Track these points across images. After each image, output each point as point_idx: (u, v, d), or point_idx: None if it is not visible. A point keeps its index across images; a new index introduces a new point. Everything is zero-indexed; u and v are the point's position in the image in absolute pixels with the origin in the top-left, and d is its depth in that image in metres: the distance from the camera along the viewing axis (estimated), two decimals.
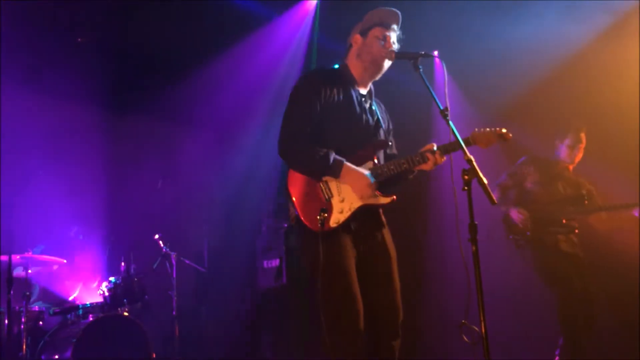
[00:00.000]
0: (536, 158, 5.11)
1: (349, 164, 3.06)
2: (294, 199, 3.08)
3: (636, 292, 5.07)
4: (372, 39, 3.25)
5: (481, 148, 3.13)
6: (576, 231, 4.90)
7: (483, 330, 2.61)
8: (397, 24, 3.29)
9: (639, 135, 5.07)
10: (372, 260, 3.14)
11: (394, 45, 3.25)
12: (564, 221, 4.86)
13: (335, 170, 3.03)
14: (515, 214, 4.85)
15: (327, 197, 3.04)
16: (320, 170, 3.05)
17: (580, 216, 4.90)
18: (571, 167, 5.07)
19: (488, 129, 3.13)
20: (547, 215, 4.85)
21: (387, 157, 3.32)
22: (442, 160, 3.11)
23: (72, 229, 5.83)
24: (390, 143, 3.35)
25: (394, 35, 3.27)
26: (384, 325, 3.09)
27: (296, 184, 3.10)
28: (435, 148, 3.12)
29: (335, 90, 3.18)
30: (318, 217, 2.96)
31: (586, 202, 4.88)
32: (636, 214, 4.70)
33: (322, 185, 3.06)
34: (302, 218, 3.02)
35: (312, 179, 3.08)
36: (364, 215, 3.10)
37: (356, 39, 3.30)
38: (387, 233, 3.24)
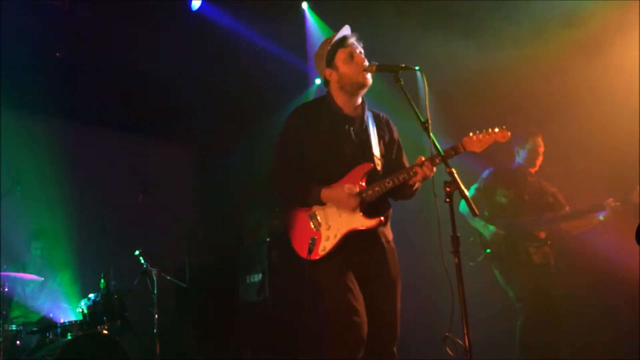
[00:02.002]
0: (499, 171, 5.19)
1: (327, 188, 3.13)
2: (288, 232, 3.28)
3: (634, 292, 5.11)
4: (343, 66, 3.24)
5: (476, 152, 3.06)
6: (549, 242, 5.00)
7: (467, 343, 2.60)
8: (350, 34, 3.29)
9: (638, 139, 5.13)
10: (371, 280, 3.17)
11: (362, 55, 3.25)
12: (539, 235, 4.97)
13: (315, 197, 3.14)
14: (491, 234, 4.94)
15: (315, 226, 3.16)
16: (304, 200, 3.19)
17: (552, 225, 4.98)
18: (533, 171, 5.15)
19: (483, 132, 3.04)
20: (519, 229, 4.94)
21: (394, 169, 3.26)
22: (432, 172, 3.07)
23: (32, 245, 5.75)
24: (373, 164, 3.23)
25: (357, 45, 3.27)
26: (378, 347, 3.09)
27: (291, 219, 3.28)
28: (423, 161, 3.09)
29: (316, 125, 3.25)
30: (307, 245, 3.10)
31: (554, 208, 5.00)
32: (601, 216, 4.79)
33: (311, 216, 3.18)
34: (295, 248, 3.21)
35: (302, 211, 3.21)
36: (359, 238, 3.12)
37: (329, 73, 3.29)
38: (390, 251, 3.25)
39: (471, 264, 5.04)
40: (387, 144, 3.37)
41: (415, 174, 3.08)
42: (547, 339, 4.86)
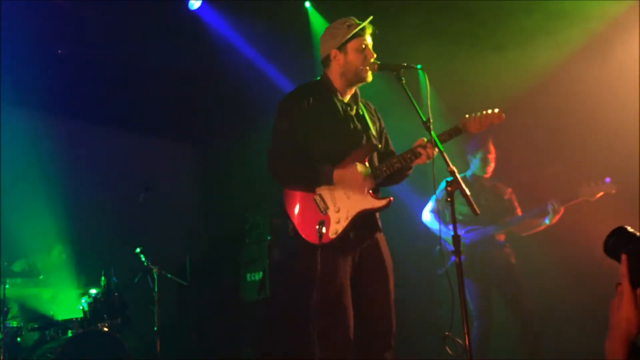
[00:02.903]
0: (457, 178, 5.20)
1: (339, 168, 3.08)
2: (291, 217, 3.11)
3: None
4: (352, 53, 3.23)
5: (473, 132, 3.14)
6: (507, 244, 5.04)
7: (467, 343, 2.60)
8: (370, 25, 3.28)
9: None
10: (367, 270, 3.15)
11: (373, 52, 3.25)
12: (498, 238, 5.00)
13: (326, 178, 3.06)
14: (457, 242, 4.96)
15: (323, 209, 3.06)
16: (312, 183, 3.09)
17: (509, 229, 5.02)
18: (486, 177, 5.16)
19: (479, 113, 3.11)
20: (480, 235, 4.95)
21: (383, 158, 3.29)
22: (435, 152, 3.09)
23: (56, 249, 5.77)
24: (379, 145, 3.32)
25: (370, 39, 3.27)
26: (376, 337, 3.10)
27: (292, 202, 3.14)
28: (425, 142, 3.12)
29: (318, 104, 3.21)
30: (317, 229, 2.96)
31: (510, 211, 5.05)
32: (547, 221, 4.81)
33: (317, 199, 3.08)
34: (302, 234, 3.05)
35: (307, 194, 3.10)
36: (362, 222, 3.10)
37: (335, 54, 3.27)
38: (382, 240, 3.25)
39: (439, 272, 5.06)
40: (378, 132, 3.40)
41: (419, 154, 3.10)
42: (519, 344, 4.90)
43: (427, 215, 5.15)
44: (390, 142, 3.47)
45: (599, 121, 5.36)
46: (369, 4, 5.40)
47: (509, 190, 5.21)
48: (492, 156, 5.14)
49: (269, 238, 6.45)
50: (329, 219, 3.03)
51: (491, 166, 5.14)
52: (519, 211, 5.11)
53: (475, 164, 5.17)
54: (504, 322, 5.11)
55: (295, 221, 3.09)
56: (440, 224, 4.89)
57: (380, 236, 3.25)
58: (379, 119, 3.46)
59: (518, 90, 5.74)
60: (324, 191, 3.09)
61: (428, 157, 3.11)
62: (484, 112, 3.10)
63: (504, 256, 5.01)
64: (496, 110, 3.11)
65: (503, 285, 4.96)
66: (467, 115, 3.10)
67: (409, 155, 3.13)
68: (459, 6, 5.67)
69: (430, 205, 5.16)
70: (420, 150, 3.10)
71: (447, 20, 5.78)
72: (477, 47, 5.72)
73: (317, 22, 6.16)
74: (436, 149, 3.03)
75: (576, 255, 5.38)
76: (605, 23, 5.37)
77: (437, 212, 5.06)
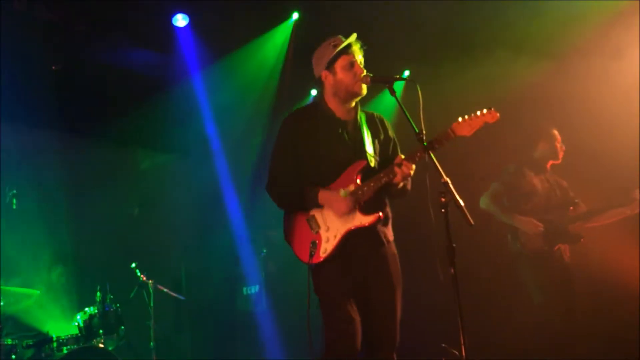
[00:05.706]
0: (523, 164, 5.03)
1: (324, 190, 3.14)
2: (288, 237, 3.27)
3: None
4: (341, 72, 3.25)
5: (467, 136, 3.02)
6: (582, 240, 4.83)
7: (463, 354, 2.60)
8: (356, 41, 3.30)
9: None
10: (370, 284, 3.17)
11: (363, 67, 3.26)
12: (570, 229, 4.81)
13: (313, 200, 3.15)
14: (531, 226, 4.82)
15: (314, 229, 3.15)
16: (301, 204, 3.20)
17: (583, 221, 4.85)
18: (557, 163, 5.04)
19: (469, 117, 3.00)
20: (553, 224, 4.80)
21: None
22: (411, 170, 3.08)
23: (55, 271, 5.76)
24: (372, 159, 3.27)
25: (358, 55, 3.29)
26: (379, 349, 3.11)
27: (288, 223, 3.28)
28: (402, 158, 3.10)
29: (312, 125, 3.29)
30: (309, 249, 3.09)
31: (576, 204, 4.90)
32: (628, 211, 4.71)
33: (309, 219, 3.18)
34: (296, 253, 3.20)
35: (301, 214, 3.21)
36: (358, 238, 3.13)
37: (325, 76, 3.30)
38: (390, 254, 3.24)
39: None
40: (383, 142, 3.38)
41: (395, 174, 3.08)
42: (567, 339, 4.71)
43: (484, 202, 4.97)
44: (399, 151, 3.39)
45: (598, 123, 5.35)
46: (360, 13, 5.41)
47: (566, 183, 5.05)
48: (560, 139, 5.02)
49: (264, 251, 6.45)
50: (320, 238, 3.11)
51: (562, 154, 5.00)
52: (580, 202, 4.93)
53: (548, 151, 5.00)
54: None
55: (290, 240, 3.24)
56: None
57: (388, 250, 3.24)
58: (384, 130, 3.42)
59: (515, 93, 5.73)
60: (316, 212, 3.18)
61: (403, 176, 3.08)
62: (475, 114, 2.98)
63: (570, 252, 4.84)
64: (488, 110, 2.97)
65: (563, 278, 4.76)
66: (459, 118, 3.01)
67: (392, 172, 3.09)
68: (454, 7, 5.67)
69: (492, 189, 4.99)
70: (396, 169, 3.07)
71: (436, 28, 5.78)
72: (471, 53, 5.73)
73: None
74: (413, 165, 3.05)
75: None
76: (606, 25, 5.37)
77: (493, 196, 4.91)
